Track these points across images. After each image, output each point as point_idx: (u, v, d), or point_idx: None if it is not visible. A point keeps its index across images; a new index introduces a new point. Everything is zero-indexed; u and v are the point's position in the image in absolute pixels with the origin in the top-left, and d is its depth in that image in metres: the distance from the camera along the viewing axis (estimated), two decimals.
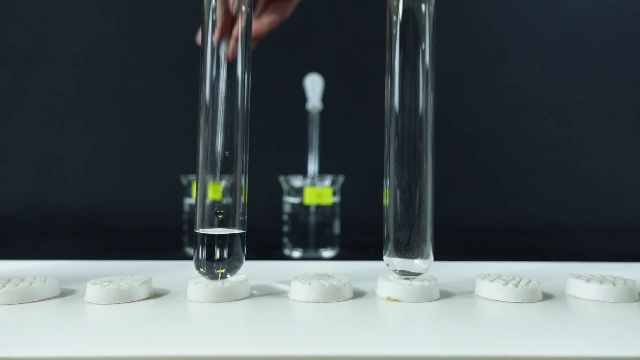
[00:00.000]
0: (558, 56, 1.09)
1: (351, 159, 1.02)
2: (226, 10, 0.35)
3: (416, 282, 0.34)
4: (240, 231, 0.35)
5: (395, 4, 0.35)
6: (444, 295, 0.35)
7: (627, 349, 0.25)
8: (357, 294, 0.35)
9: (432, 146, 0.35)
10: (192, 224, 0.38)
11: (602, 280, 0.35)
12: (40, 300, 0.33)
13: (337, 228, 0.64)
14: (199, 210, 0.35)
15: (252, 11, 0.38)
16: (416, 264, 0.34)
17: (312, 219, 0.62)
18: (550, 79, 1.09)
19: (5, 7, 1.06)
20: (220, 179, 0.35)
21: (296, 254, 0.63)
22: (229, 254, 0.34)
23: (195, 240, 0.34)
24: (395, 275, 0.35)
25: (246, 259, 0.36)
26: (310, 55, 1.06)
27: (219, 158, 0.35)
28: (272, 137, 1.02)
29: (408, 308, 0.32)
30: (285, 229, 0.64)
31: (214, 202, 0.35)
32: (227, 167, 0.35)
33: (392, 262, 0.35)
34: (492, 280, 0.35)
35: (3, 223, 0.95)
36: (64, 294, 0.35)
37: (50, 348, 0.25)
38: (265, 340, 0.26)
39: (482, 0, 1.11)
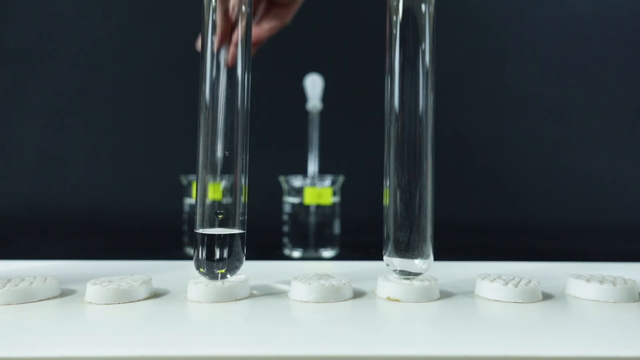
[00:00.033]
0: (558, 56, 1.08)
1: (351, 159, 1.02)
2: (226, 14, 0.35)
3: (416, 282, 0.34)
4: (240, 231, 0.35)
5: (395, 4, 0.35)
6: (444, 295, 0.35)
7: (627, 349, 0.25)
8: (357, 294, 0.35)
9: (432, 146, 0.35)
10: (192, 224, 0.38)
11: (602, 281, 0.35)
12: (40, 300, 0.33)
13: (337, 228, 0.64)
14: (199, 210, 0.35)
15: (252, 15, 0.38)
16: (416, 264, 0.34)
17: (312, 219, 0.62)
18: (550, 79, 1.09)
19: (5, 7, 1.06)
20: (220, 179, 0.35)
21: (296, 254, 0.63)
22: (229, 254, 0.34)
23: (195, 240, 0.34)
24: (395, 275, 0.35)
25: (246, 259, 0.36)
26: (310, 55, 1.06)
27: (219, 158, 0.35)
28: (272, 137, 1.02)
29: (408, 308, 0.32)
30: (285, 229, 0.64)
31: (214, 202, 0.35)
32: (227, 167, 0.35)
33: (392, 262, 0.35)
34: (492, 280, 0.35)
35: (3, 223, 0.95)
36: (64, 294, 0.35)
37: (50, 348, 0.25)
38: (265, 340, 0.26)
39: (482, 0, 1.11)
